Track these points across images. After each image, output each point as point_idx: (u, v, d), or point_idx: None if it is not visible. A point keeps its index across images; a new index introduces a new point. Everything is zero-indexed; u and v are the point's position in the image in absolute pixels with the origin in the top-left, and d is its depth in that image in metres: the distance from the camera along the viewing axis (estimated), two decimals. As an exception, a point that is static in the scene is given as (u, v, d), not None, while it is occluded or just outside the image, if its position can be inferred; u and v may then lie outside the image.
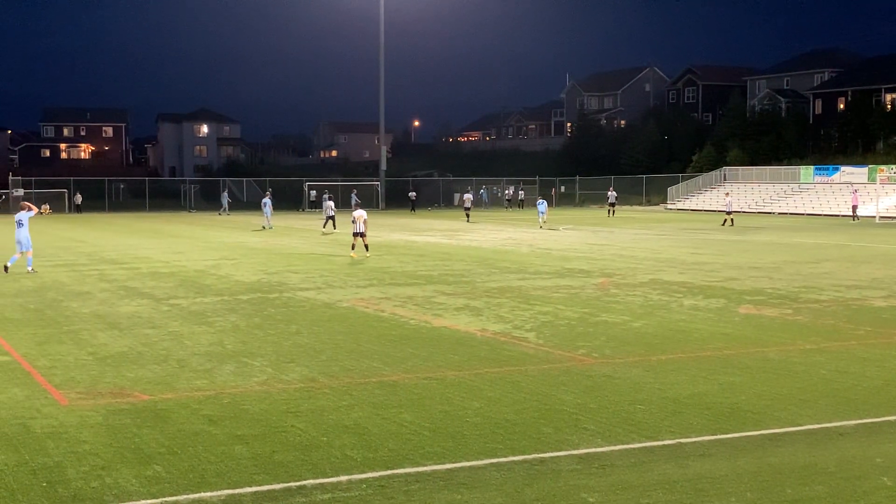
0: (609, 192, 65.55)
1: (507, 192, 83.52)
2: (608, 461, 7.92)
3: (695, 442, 8.49)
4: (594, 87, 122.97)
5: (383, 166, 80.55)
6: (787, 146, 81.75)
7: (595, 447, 8.30)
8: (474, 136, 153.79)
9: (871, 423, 9.23)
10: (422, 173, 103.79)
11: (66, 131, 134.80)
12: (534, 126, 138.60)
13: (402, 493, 7.11)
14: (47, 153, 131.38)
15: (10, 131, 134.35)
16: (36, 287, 20.69)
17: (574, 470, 7.67)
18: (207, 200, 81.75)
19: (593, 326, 15.03)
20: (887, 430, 9.01)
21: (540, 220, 47.08)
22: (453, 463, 7.84)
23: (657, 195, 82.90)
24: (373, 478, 7.45)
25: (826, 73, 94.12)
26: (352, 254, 28.11)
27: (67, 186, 72.40)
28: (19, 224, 23.86)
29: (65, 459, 7.92)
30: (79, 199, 72.09)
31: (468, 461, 7.89)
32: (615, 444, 8.38)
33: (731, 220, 50.66)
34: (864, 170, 68.09)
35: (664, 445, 8.38)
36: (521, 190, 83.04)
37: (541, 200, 49.83)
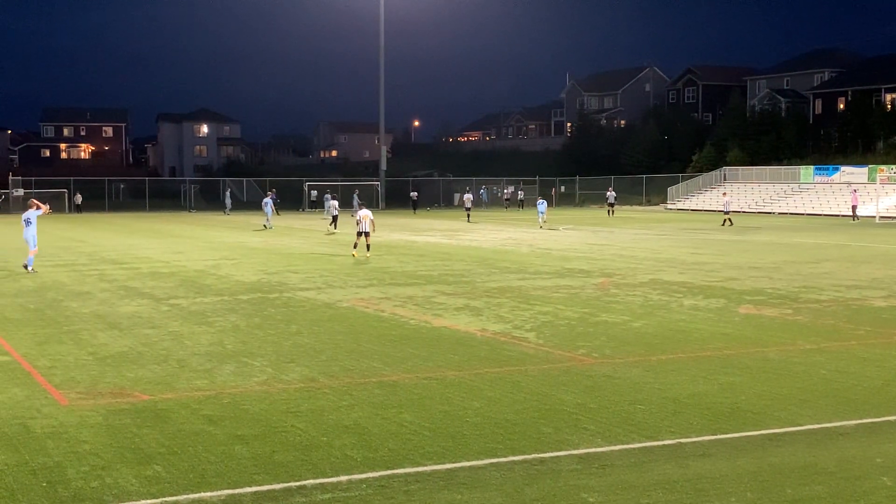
0: (608, 192, 65.54)
1: (505, 191, 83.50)
2: (608, 461, 7.92)
3: (695, 442, 8.49)
4: (594, 87, 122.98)
5: (383, 166, 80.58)
6: (787, 146, 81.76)
7: (595, 447, 8.30)
8: (474, 136, 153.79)
9: (871, 423, 9.24)
10: (422, 173, 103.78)
11: (66, 131, 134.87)
12: (534, 126, 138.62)
13: (402, 493, 7.11)
14: (47, 153, 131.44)
15: (10, 131, 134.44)
16: (36, 287, 20.69)
17: (574, 470, 7.67)
18: (207, 200, 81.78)
19: (593, 326, 15.03)
20: (887, 430, 9.01)
21: (540, 220, 47.09)
22: (453, 463, 7.84)
23: (657, 195, 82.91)
24: (373, 478, 7.45)
25: (826, 73, 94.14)
26: (353, 252, 28.12)
27: (67, 186, 72.39)
28: (27, 222, 23.90)
29: (65, 459, 7.92)
30: (79, 199, 72.10)
31: (468, 461, 7.89)
32: (615, 444, 8.38)
33: (730, 220, 50.64)
34: (864, 170, 68.10)
35: (664, 445, 8.38)
36: (521, 190, 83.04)
37: (541, 200, 49.85)
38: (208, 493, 7.07)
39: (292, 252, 31.14)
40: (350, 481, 7.37)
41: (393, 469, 7.66)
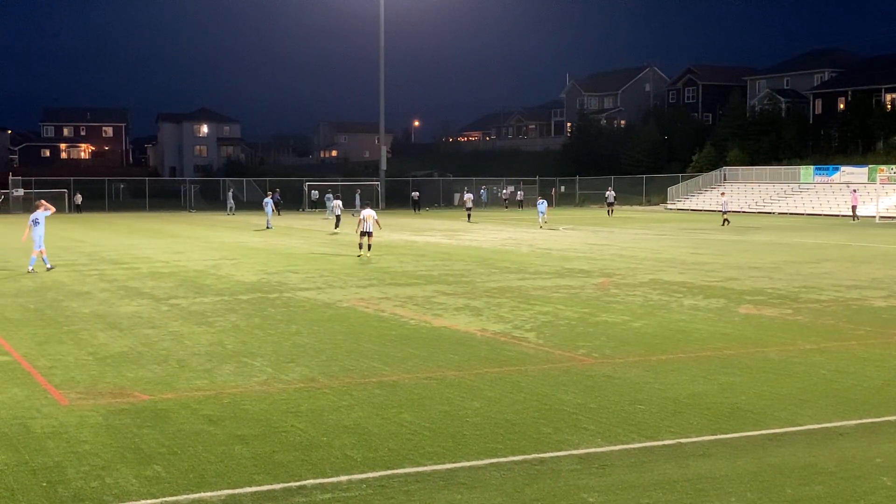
0: (607, 192, 65.51)
1: (504, 191, 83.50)
2: (608, 461, 7.92)
3: (695, 442, 8.49)
4: (594, 87, 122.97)
5: (383, 166, 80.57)
6: (787, 146, 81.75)
7: (595, 447, 8.30)
8: (474, 136, 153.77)
9: (871, 423, 9.24)
10: (422, 173, 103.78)
11: (66, 131, 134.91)
12: (534, 126, 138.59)
13: (402, 493, 7.11)
14: (47, 153, 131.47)
15: (10, 131, 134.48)
16: (36, 287, 20.69)
17: (574, 470, 7.67)
18: (207, 200, 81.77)
19: (593, 326, 15.03)
20: (887, 430, 9.01)
21: (540, 220, 47.08)
22: (453, 463, 7.84)
23: (657, 195, 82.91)
24: (373, 478, 7.45)
25: (826, 73, 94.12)
26: (360, 253, 28.14)
27: (67, 186, 72.36)
28: (35, 223, 23.97)
29: (65, 459, 7.92)
30: (79, 199, 72.09)
31: (468, 461, 7.89)
32: (615, 444, 8.38)
33: (727, 220, 50.62)
34: (864, 170, 68.10)
35: (664, 445, 8.38)
36: (521, 190, 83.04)
37: (541, 200, 49.79)
38: (208, 493, 7.07)
39: (292, 252, 31.14)
40: (350, 481, 7.37)
41: (393, 469, 7.66)
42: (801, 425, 9.09)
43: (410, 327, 15.02)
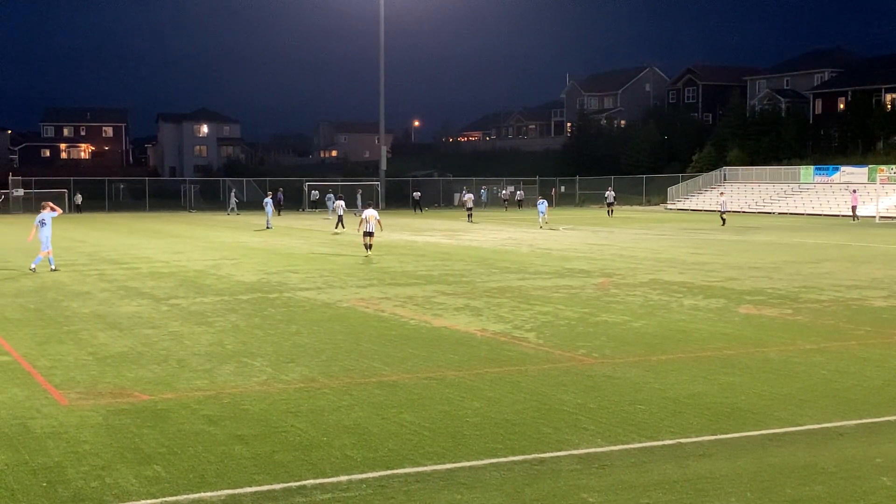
0: (607, 192, 65.51)
1: (503, 191, 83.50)
2: (608, 461, 7.92)
3: (695, 442, 8.49)
4: (594, 87, 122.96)
5: (383, 166, 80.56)
6: (787, 146, 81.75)
7: (595, 447, 8.30)
8: (474, 136, 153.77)
9: (871, 423, 9.24)
10: (422, 173, 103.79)
11: (66, 131, 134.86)
12: (534, 126, 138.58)
13: (402, 493, 7.11)
14: (47, 153, 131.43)
15: (10, 131, 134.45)
16: (36, 287, 20.69)
17: (574, 470, 7.67)
18: (207, 200, 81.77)
19: (593, 326, 15.03)
20: (887, 430, 9.01)
21: (540, 220, 47.05)
22: (453, 463, 7.84)
23: (657, 195, 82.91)
24: (373, 478, 7.45)
25: (826, 73, 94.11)
26: (367, 253, 28.17)
27: (67, 186, 72.35)
28: (42, 224, 24.04)
29: (65, 459, 7.92)
30: (79, 199, 72.09)
31: (468, 461, 7.89)
32: (615, 444, 8.38)
33: (724, 219, 50.62)
34: (864, 170, 68.10)
35: (664, 445, 8.38)
36: (521, 190, 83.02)
37: (541, 200, 49.67)
38: (208, 493, 7.07)
39: (292, 252, 31.14)
40: (350, 481, 7.37)
41: (393, 469, 7.66)
42: (801, 425, 9.09)
43: (410, 327, 15.02)
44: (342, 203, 46.26)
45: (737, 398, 10.14)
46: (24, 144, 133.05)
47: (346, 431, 8.80)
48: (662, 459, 7.97)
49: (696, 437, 8.65)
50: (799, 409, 9.72)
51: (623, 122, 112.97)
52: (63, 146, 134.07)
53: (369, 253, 28.19)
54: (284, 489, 7.19)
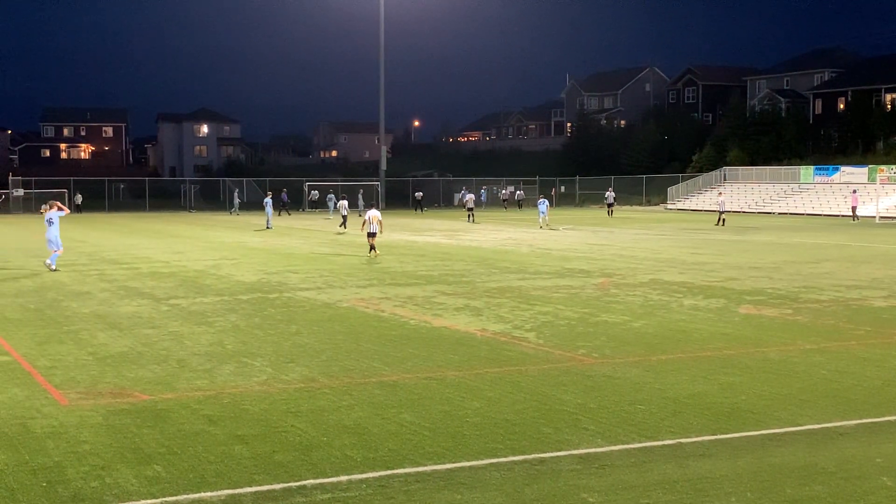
0: (607, 193, 65.50)
1: (503, 192, 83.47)
2: (608, 461, 7.92)
3: (695, 442, 8.49)
4: (594, 87, 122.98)
5: (383, 166, 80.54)
6: (787, 146, 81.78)
7: (595, 447, 8.30)
8: (474, 136, 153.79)
9: (871, 423, 9.24)
10: (422, 173, 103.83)
11: (66, 131, 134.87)
12: (534, 126, 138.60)
13: (402, 493, 7.11)
14: (47, 153, 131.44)
15: (10, 131, 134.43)
16: (36, 287, 20.69)
17: (574, 470, 7.67)
18: (207, 200, 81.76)
19: (593, 326, 15.03)
20: (887, 430, 9.01)
21: (540, 220, 47.00)
22: (453, 463, 7.84)
23: (657, 195, 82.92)
24: (373, 478, 7.45)
25: (826, 73, 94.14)
26: (375, 254, 28.18)
27: (67, 186, 72.35)
28: (49, 223, 24.14)
29: (65, 459, 7.92)
30: (79, 199, 72.10)
31: (468, 461, 7.89)
32: (615, 444, 8.38)
33: (723, 220, 50.64)
34: (864, 170, 68.11)
35: (664, 445, 8.38)
36: (521, 190, 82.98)
37: (542, 199, 49.27)
38: (208, 493, 7.07)
39: (292, 252, 31.14)
40: (350, 481, 7.37)
41: (393, 469, 7.66)
42: (801, 425, 9.09)
43: (410, 327, 15.02)
44: (345, 203, 46.33)
45: (737, 398, 10.14)
46: (24, 144, 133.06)
47: (346, 431, 8.80)
48: (662, 459, 7.97)
49: (696, 437, 8.65)
50: (799, 409, 9.72)
51: (623, 122, 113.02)
52: (63, 146, 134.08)
53: (376, 253, 28.17)
54: (284, 489, 7.19)
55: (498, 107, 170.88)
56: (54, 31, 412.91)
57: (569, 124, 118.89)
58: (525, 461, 7.89)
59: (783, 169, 76.16)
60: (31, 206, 69.10)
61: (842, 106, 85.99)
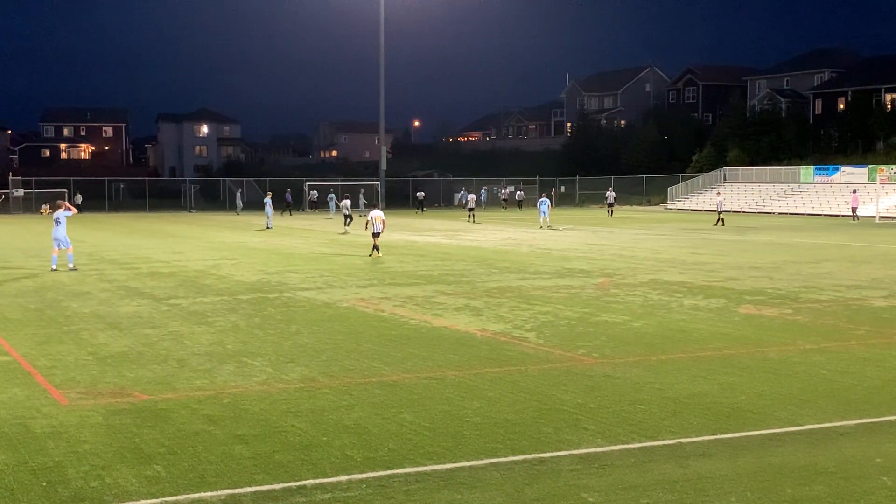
0: (607, 193, 65.50)
1: (502, 192, 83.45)
2: (608, 461, 7.92)
3: (695, 442, 8.49)
4: (594, 87, 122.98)
5: (383, 166, 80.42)
6: (787, 146, 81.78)
7: (595, 447, 8.30)
8: (474, 136, 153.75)
9: (871, 423, 9.23)
10: (422, 173, 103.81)
11: (66, 131, 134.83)
12: (534, 126, 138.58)
13: (402, 493, 7.11)
14: (47, 153, 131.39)
15: (10, 131, 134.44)
16: (36, 287, 20.69)
17: (574, 470, 7.67)
18: (207, 200, 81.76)
19: (593, 326, 15.03)
20: (887, 430, 9.01)
21: (541, 220, 46.95)
22: (453, 463, 7.84)
23: (657, 195, 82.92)
24: (373, 478, 7.45)
25: (826, 73, 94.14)
26: (378, 254, 28.16)
27: (67, 186, 72.35)
28: (57, 222, 24.34)
29: (65, 459, 7.92)
30: (79, 199, 72.06)
31: (468, 461, 7.89)
32: (615, 444, 8.38)
33: (722, 220, 50.65)
34: (864, 170, 68.11)
35: (664, 445, 8.38)
36: (521, 190, 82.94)
37: (544, 199, 48.77)
38: (208, 493, 7.07)
39: (292, 252, 31.14)
40: (350, 481, 7.37)
41: (393, 469, 7.66)
42: (801, 425, 9.09)
43: (410, 327, 15.02)
44: (348, 202, 46.37)
45: (737, 398, 10.14)
46: (24, 144, 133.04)
47: (346, 431, 8.80)
48: (662, 459, 7.97)
49: (696, 437, 8.65)
50: (799, 409, 9.72)
51: (623, 122, 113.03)
52: (63, 146, 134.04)
53: (380, 254, 28.16)
54: (284, 489, 7.19)
55: (498, 107, 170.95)
56: (54, 31, 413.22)
57: (569, 124, 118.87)
58: (525, 461, 7.89)
59: (783, 169, 76.15)
60: (31, 206, 69.19)
61: (842, 106, 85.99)
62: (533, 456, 8.02)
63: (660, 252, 30.55)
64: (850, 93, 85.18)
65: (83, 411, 9.56)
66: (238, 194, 72.24)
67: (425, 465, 7.76)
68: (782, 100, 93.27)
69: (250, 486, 7.23)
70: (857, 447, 8.38)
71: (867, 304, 17.73)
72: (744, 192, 76.16)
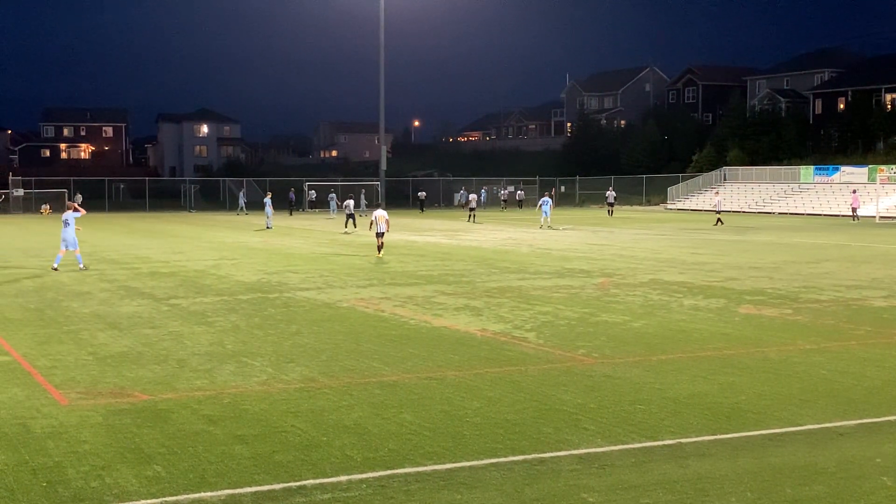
0: (608, 192, 65.50)
1: (502, 192, 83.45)
2: (608, 461, 7.92)
3: (695, 442, 8.49)
4: (594, 87, 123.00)
5: (383, 166, 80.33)
6: (787, 146, 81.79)
7: (595, 447, 8.30)
8: (474, 136, 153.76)
9: (871, 423, 9.24)
10: (422, 173, 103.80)
11: (66, 131, 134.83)
12: (534, 126, 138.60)
13: (402, 493, 7.11)
14: (47, 153, 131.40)
15: (10, 131, 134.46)
16: (36, 287, 20.69)
17: (574, 470, 7.67)
18: (207, 200, 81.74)
19: (593, 326, 15.03)
20: (887, 430, 9.01)
21: (542, 220, 46.90)
22: (453, 463, 7.84)
23: (657, 195, 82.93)
24: (373, 478, 7.45)
25: (826, 73, 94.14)
26: (380, 254, 28.14)
27: (67, 186, 72.31)
28: (66, 223, 24.42)
29: (65, 459, 7.92)
30: (79, 199, 71.90)
31: (468, 461, 7.89)
32: (615, 444, 8.38)
33: (720, 220, 50.65)
34: (864, 170, 68.11)
35: (664, 445, 8.38)
36: (521, 190, 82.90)
37: (545, 199, 48.21)
38: (208, 493, 7.07)
39: (292, 252, 31.14)
40: (350, 481, 7.37)
41: (393, 469, 7.66)
42: (801, 425, 9.09)
43: (410, 327, 15.02)
44: (351, 202, 46.37)
45: (737, 398, 10.14)
46: (24, 144, 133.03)
47: (346, 431, 8.80)
48: (662, 459, 7.97)
49: (696, 437, 8.65)
50: (799, 409, 9.72)
51: (623, 122, 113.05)
52: (63, 146, 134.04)
53: (381, 254, 28.14)
54: (284, 489, 7.19)
55: (498, 107, 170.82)
56: (54, 31, 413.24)
57: (569, 124, 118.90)
58: (525, 461, 7.89)
59: (783, 169, 76.15)
60: (31, 206, 69.21)
61: (842, 106, 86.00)
62: (533, 456, 8.02)
63: (660, 252, 30.56)
64: (850, 93, 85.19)
65: (83, 411, 9.56)
66: (241, 195, 72.29)
67: (425, 466, 7.76)
68: (782, 100, 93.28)
69: (250, 486, 7.24)
70: (857, 447, 8.39)
71: (867, 305, 17.73)
72: (744, 192, 76.16)
